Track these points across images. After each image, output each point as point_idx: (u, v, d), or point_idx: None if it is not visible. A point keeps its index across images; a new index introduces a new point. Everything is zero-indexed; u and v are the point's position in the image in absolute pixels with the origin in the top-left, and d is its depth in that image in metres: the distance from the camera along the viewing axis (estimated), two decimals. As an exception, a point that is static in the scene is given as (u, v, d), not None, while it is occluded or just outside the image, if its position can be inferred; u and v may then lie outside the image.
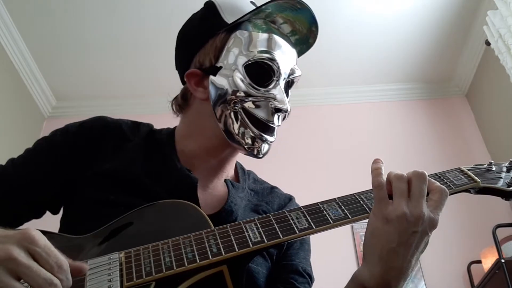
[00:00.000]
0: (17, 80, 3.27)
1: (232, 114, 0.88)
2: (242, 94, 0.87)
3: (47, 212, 0.92)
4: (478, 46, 3.33)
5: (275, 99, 0.89)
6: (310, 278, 0.93)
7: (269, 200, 0.99)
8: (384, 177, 0.77)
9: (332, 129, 3.51)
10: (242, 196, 0.95)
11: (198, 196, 0.87)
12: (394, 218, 0.70)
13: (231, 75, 0.88)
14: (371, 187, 0.79)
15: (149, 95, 3.41)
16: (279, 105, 0.88)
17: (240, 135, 0.88)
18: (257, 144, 0.89)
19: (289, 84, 0.97)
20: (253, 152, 0.90)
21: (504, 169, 0.88)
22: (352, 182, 3.16)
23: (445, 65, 3.58)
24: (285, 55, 0.92)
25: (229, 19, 0.92)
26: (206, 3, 0.97)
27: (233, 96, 0.87)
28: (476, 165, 0.90)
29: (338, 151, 3.38)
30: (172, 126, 1.03)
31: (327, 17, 3.13)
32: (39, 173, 0.87)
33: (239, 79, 0.88)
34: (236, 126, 0.88)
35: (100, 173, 0.86)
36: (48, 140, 0.92)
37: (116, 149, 0.91)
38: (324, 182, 3.14)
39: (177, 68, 1.01)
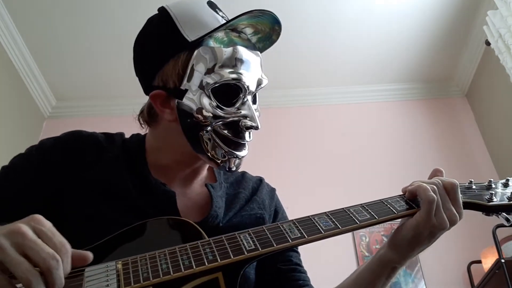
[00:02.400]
0: (17, 80, 3.27)
1: (205, 137, 0.87)
2: (211, 116, 0.86)
3: None
4: (478, 46, 3.33)
5: (245, 117, 0.88)
6: (299, 253, 1.04)
7: (244, 186, 1.03)
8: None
9: (332, 129, 3.51)
10: (221, 193, 0.97)
11: (178, 209, 0.88)
12: (438, 232, 0.82)
13: (198, 99, 0.86)
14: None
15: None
16: (249, 123, 0.88)
17: (212, 154, 0.88)
18: (228, 159, 0.89)
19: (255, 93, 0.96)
20: (225, 167, 0.90)
21: (484, 187, 0.93)
22: (352, 182, 3.18)
23: (445, 65, 3.58)
24: (251, 69, 0.90)
25: (189, 34, 0.87)
26: (160, 13, 0.93)
27: (201, 118, 0.86)
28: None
29: (338, 151, 3.38)
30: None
31: (327, 16, 3.14)
32: (16, 191, 0.86)
33: (207, 102, 0.86)
34: (207, 147, 0.88)
35: (83, 188, 0.86)
36: (24, 157, 0.91)
37: (96, 162, 0.90)
38: (324, 182, 3.14)
39: (137, 75, 0.98)
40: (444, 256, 2.95)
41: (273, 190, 1.09)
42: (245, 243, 0.74)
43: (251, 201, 1.00)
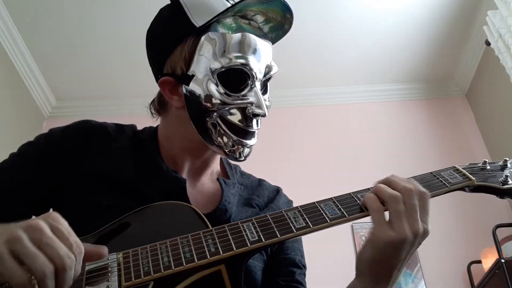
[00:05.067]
0: (17, 80, 3.27)
1: (209, 123, 0.87)
2: (218, 102, 0.85)
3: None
4: (478, 46, 3.33)
5: (252, 104, 0.87)
6: (304, 268, 0.97)
7: (259, 193, 1.00)
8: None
9: (332, 129, 3.51)
10: (234, 192, 0.96)
11: (188, 197, 0.87)
12: (398, 243, 0.71)
13: (205, 85, 0.86)
14: (369, 186, 0.81)
15: (149, 96, 3.39)
16: (256, 110, 0.87)
17: (219, 141, 0.87)
18: (237, 148, 0.88)
19: (266, 80, 0.94)
20: (234, 155, 0.89)
21: (499, 167, 0.88)
22: (352, 182, 3.17)
23: (445, 65, 3.58)
24: (259, 55, 0.88)
25: (197, 19, 0.87)
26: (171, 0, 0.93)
27: (208, 105, 0.85)
28: (471, 164, 0.90)
29: (337, 151, 3.38)
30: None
31: (327, 16, 3.14)
32: (24, 178, 0.86)
33: (214, 88, 0.85)
34: (214, 134, 0.87)
35: (90, 176, 0.86)
36: (33, 144, 0.91)
37: (103, 151, 0.90)
38: (324, 182, 3.14)
39: (150, 64, 0.99)
40: (444, 256, 2.95)
41: (290, 202, 1.05)
42: (249, 234, 0.71)
43: (267, 208, 0.97)
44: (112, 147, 0.91)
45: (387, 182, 0.77)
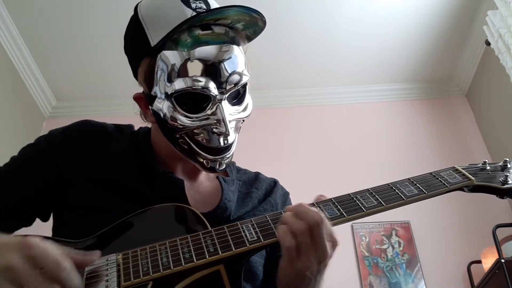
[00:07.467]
0: (17, 80, 3.27)
1: (179, 140, 0.85)
2: (183, 123, 0.83)
3: (38, 220, 0.91)
4: (478, 46, 3.33)
5: (213, 123, 0.83)
6: None
7: (257, 186, 1.00)
8: None
9: (332, 129, 3.51)
10: (233, 189, 0.96)
11: (187, 198, 0.87)
12: (308, 274, 0.71)
13: (166, 106, 0.83)
14: (368, 187, 0.82)
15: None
16: (220, 130, 0.83)
17: (194, 158, 0.86)
18: (213, 164, 0.86)
19: (239, 91, 0.88)
20: (214, 167, 0.87)
21: (499, 168, 0.89)
22: (352, 182, 3.17)
23: (445, 65, 3.58)
24: (219, 71, 0.82)
25: (154, 36, 0.82)
26: (134, 11, 0.88)
27: (175, 124, 0.83)
28: (471, 164, 0.91)
29: (338, 151, 3.38)
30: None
31: (327, 16, 3.14)
32: (25, 181, 0.86)
33: (173, 110, 0.83)
34: (188, 151, 0.86)
35: (91, 179, 0.86)
36: (34, 147, 0.91)
37: (104, 153, 0.90)
38: (323, 182, 3.14)
39: None
40: (444, 256, 2.95)
41: (286, 194, 1.05)
42: (247, 234, 0.72)
43: (265, 202, 0.97)
44: (112, 148, 0.91)
45: (296, 212, 0.73)
